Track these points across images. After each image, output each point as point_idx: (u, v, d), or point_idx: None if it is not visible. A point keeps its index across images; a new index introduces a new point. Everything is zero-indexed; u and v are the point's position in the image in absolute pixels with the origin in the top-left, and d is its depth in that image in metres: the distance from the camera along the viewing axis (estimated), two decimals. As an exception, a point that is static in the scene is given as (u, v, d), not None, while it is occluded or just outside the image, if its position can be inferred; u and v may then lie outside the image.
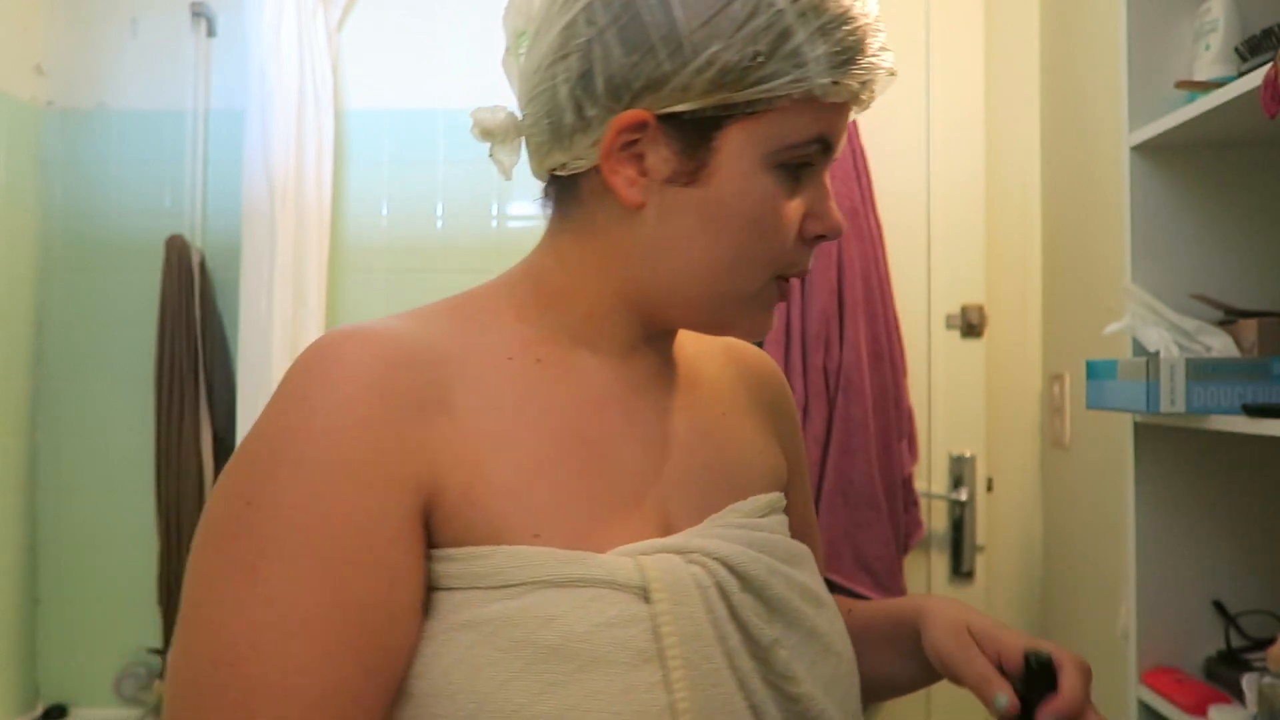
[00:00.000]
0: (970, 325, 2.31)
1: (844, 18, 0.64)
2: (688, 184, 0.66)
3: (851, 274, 2.19)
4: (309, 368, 0.61)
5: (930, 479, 2.31)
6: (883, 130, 2.30)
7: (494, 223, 2.45)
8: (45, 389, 2.44)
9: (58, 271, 2.45)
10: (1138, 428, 1.46)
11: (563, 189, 0.72)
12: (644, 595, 0.62)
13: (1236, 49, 1.32)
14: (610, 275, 0.70)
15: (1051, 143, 2.16)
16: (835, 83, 0.64)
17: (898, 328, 2.25)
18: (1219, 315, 1.41)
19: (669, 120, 0.64)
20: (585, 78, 0.65)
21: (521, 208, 2.46)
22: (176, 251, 2.35)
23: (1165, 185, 1.47)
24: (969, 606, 0.80)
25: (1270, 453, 1.43)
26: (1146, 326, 1.39)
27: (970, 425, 2.30)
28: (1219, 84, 1.28)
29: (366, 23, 2.48)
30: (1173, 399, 1.27)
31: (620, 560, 0.63)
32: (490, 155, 0.75)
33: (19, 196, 2.39)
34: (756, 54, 0.62)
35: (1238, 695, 1.31)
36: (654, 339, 0.74)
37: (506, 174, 0.76)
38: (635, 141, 0.65)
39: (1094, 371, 1.46)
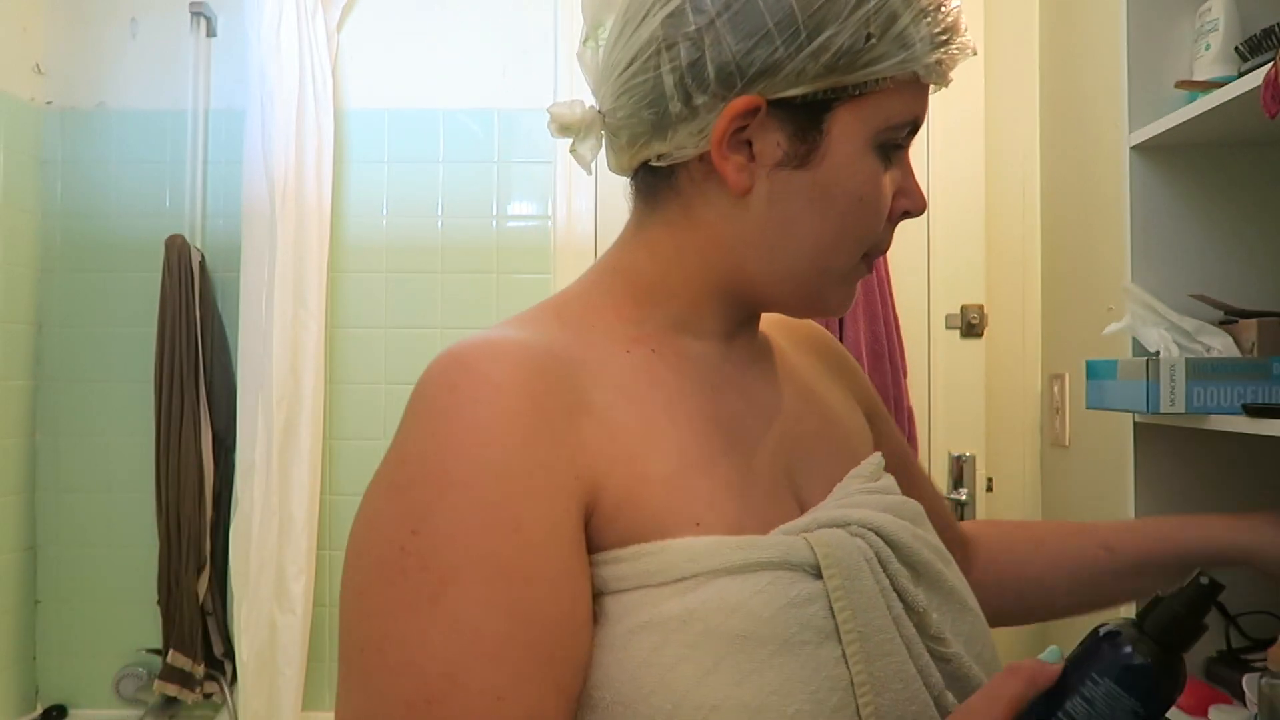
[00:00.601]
0: (970, 325, 2.31)
1: (939, 0, 0.66)
2: (798, 167, 0.66)
3: (851, 274, 2.19)
4: (451, 383, 0.59)
5: (930, 479, 2.30)
6: (883, 130, 2.30)
7: (494, 223, 2.45)
8: (45, 389, 2.44)
9: (58, 271, 2.45)
10: (1137, 427, 1.46)
11: (656, 181, 0.71)
12: (816, 572, 0.62)
13: (1236, 49, 1.32)
14: (712, 264, 0.70)
15: (1051, 143, 2.16)
16: (938, 62, 0.66)
17: (898, 328, 2.25)
18: (1219, 315, 1.41)
19: (779, 105, 0.65)
20: (695, 66, 0.65)
21: (521, 208, 2.46)
22: (176, 251, 2.35)
23: (1165, 185, 1.47)
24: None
25: (1270, 453, 1.43)
26: (1146, 326, 1.39)
27: (970, 425, 2.30)
28: (1219, 84, 1.28)
29: (366, 23, 2.48)
30: (1172, 399, 1.27)
31: (790, 539, 0.63)
32: (571, 151, 0.74)
33: (19, 196, 2.39)
34: (869, 36, 0.63)
35: (1238, 695, 1.31)
36: (747, 321, 0.75)
37: (587, 168, 0.75)
38: (744, 128, 0.66)
39: (1094, 371, 1.46)
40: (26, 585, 2.40)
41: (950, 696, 0.65)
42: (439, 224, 2.46)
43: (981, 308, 2.31)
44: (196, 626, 2.31)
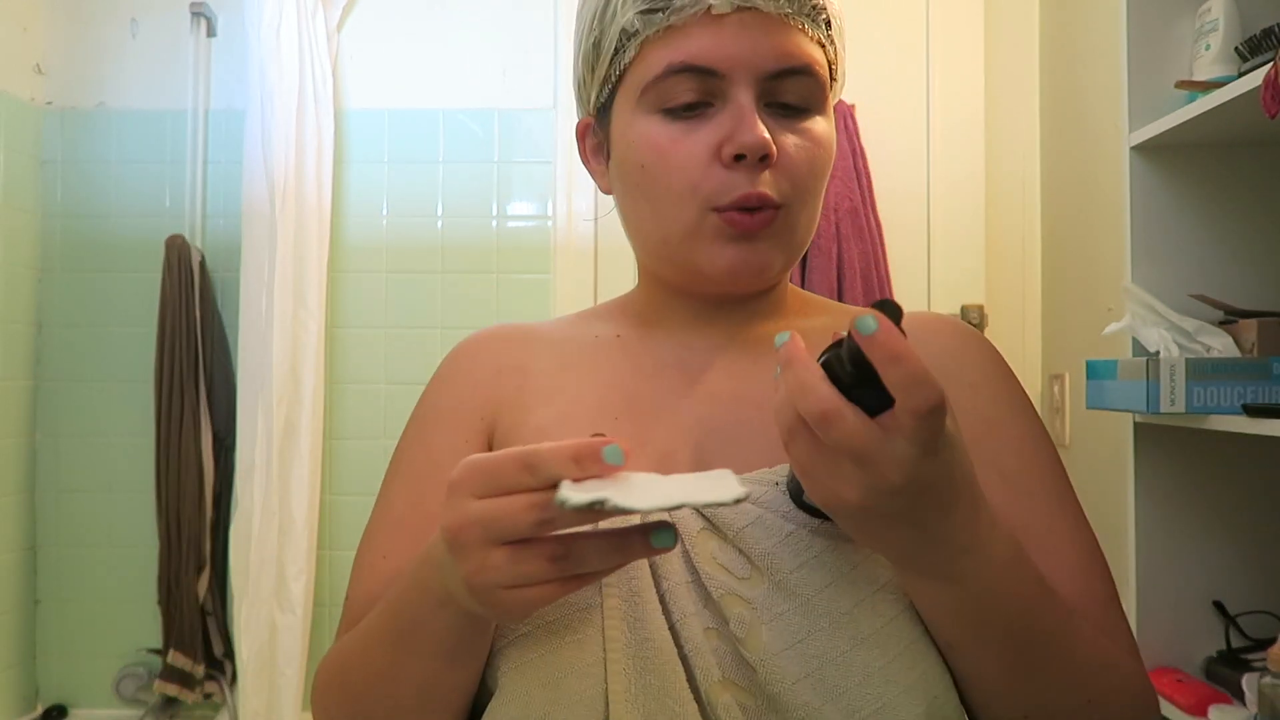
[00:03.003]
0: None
1: None
2: (609, 158, 0.77)
3: (851, 274, 2.19)
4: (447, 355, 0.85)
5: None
6: (883, 130, 2.30)
7: (494, 223, 2.45)
8: (45, 389, 2.44)
9: (58, 271, 2.45)
10: (1138, 427, 1.46)
11: None
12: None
13: (1236, 49, 1.32)
14: (638, 255, 0.81)
15: (1051, 143, 2.16)
16: (641, 12, 0.70)
17: (898, 328, 2.25)
18: (1219, 315, 1.41)
19: (600, 113, 0.77)
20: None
21: (521, 208, 2.46)
22: (176, 251, 2.35)
23: (1165, 185, 1.47)
24: None
25: (1270, 453, 1.43)
26: (1146, 326, 1.39)
27: (970, 425, 2.30)
28: (1219, 84, 1.28)
29: (366, 23, 2.48)
30: (1172, 399, 1.27)
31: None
32: None
33: (19, 197, 2.39)
34: (598, 35, 0.74)
35: (1238, 695, 1.31)
36: (719, 311, 0.78)
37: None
38: (588, 140, 0.80)
39: (1094, 371, 1.46)
40: (26, 585, 2.41)
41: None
42: (439, 224, 2.46)
43: (981, 308, 2.31)
44: (196, 626, 2.31)
